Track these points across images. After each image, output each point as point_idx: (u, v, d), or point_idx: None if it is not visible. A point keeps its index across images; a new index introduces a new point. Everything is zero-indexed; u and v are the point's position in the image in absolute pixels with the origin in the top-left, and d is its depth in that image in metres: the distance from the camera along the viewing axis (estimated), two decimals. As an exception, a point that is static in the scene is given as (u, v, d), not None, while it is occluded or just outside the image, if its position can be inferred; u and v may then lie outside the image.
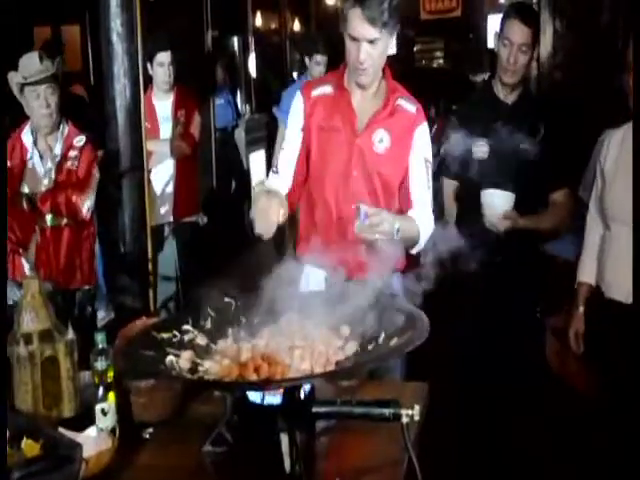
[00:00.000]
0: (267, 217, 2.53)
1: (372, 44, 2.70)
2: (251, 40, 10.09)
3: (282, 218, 2.56)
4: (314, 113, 2.90)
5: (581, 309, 3.15)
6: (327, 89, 2.94)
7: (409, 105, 2.90)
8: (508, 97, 3.55)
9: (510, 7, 3.58)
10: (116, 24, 3.59)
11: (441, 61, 14.72)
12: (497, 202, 3.32)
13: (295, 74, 10.70)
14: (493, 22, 12.04)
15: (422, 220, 2.87)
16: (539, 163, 3.37)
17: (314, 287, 2.78)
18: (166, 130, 5.15)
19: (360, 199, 2.75)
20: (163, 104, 5.17)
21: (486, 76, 11.63)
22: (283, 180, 2.92)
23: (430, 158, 2.93)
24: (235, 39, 9.74)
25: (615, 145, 3.01)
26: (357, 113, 2.87)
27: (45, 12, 7.95)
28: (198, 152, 5.49)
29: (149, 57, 4.89)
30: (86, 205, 3.87)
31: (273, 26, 12.27)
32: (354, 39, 2.71)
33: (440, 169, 3.67)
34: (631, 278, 2.78)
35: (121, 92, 3.71)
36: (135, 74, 3.72)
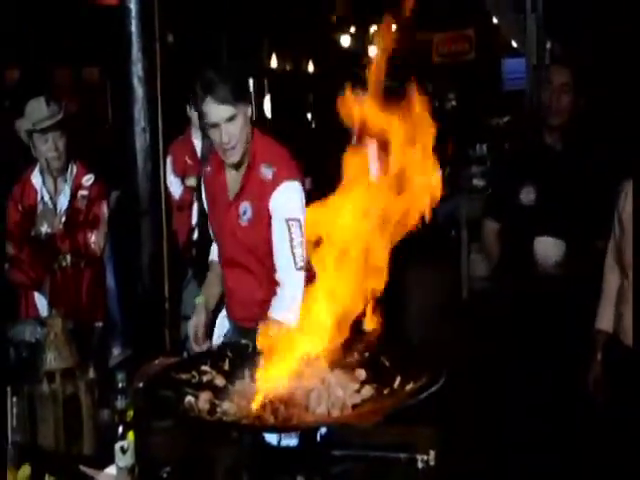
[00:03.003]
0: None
1: (231, 122, 2.85)
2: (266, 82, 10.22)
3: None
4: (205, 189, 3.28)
5: (599, 356, 3.20)
6: (207, 169, 3.23)
7: (267, 170, 2.95)
8: (557, 144, 3.57)
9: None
10: (137, 68, 3.65)
11: (454, 102, 14.85)
12: (551, 250, 3.40)
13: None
14: (507, 66, 12.16)
15: (286, 287, 2.90)
16: (587, 211, 3.43)
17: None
18: None
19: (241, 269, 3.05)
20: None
21: (501, 120, 11.68)
22: None
23: (296, 215, 2.89)
24: (250, 81, 9.88)
25: (632, 194, 3.06)
26: (228, 189, 3.05)
27: (65, 53, 8.07)
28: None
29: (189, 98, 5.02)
30: (102, 243, 3.94)
31: (288, 68, 12.40)
32: (214, 125, 2.87)
33: (484, 210, 3.82)
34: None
35: (140, 135, 3.76)
36: (155, 118, 3.77)
